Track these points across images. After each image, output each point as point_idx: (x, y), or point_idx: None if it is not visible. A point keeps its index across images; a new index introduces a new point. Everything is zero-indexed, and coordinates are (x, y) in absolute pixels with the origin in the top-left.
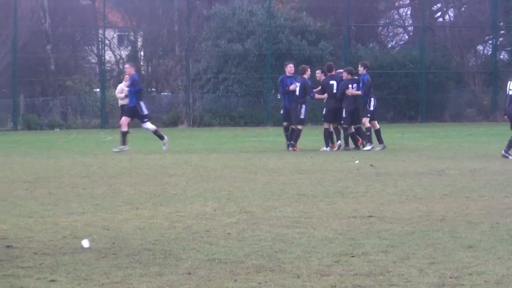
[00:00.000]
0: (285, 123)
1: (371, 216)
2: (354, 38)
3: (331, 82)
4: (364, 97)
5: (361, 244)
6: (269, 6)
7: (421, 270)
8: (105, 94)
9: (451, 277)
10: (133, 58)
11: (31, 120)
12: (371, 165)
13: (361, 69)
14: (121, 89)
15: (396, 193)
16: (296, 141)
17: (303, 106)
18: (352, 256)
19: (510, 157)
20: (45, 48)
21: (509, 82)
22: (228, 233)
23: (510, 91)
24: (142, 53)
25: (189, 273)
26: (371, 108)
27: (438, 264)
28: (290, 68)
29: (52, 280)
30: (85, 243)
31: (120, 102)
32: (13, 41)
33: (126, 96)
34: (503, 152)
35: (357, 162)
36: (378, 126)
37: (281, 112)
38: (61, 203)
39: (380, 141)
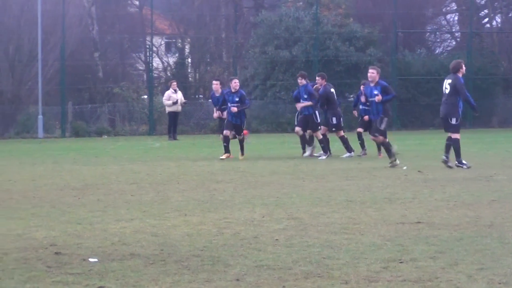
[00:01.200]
0: (226, 132)
1: (419, 222)
2: (402, 44)
3: (332, 90)
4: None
5: (410, 250)
6: (316, 12)
7: (470, 276)
8: (152, 101)
9: (500, 283)
10: (180, 65)
11: (79, 127)
12: (418, 171)
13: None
14: (169, 96)
15: (444, 199)
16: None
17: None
18: (401, 262)
19: (450, 163)
20: (93, 55)
21: (445, 80)
22: (276, 240)
23: (446, 89)
24: (189, 60)
25: (238, 280)
26: (318, 120)
27: (487, 270)
28: (235, 84)
29: (100, 287)
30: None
31: (168, 109)
32: (61, 48)
33: (173, 103)
34: (444, 157)
35: (404, 168)
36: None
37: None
38: (109, 210)
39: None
